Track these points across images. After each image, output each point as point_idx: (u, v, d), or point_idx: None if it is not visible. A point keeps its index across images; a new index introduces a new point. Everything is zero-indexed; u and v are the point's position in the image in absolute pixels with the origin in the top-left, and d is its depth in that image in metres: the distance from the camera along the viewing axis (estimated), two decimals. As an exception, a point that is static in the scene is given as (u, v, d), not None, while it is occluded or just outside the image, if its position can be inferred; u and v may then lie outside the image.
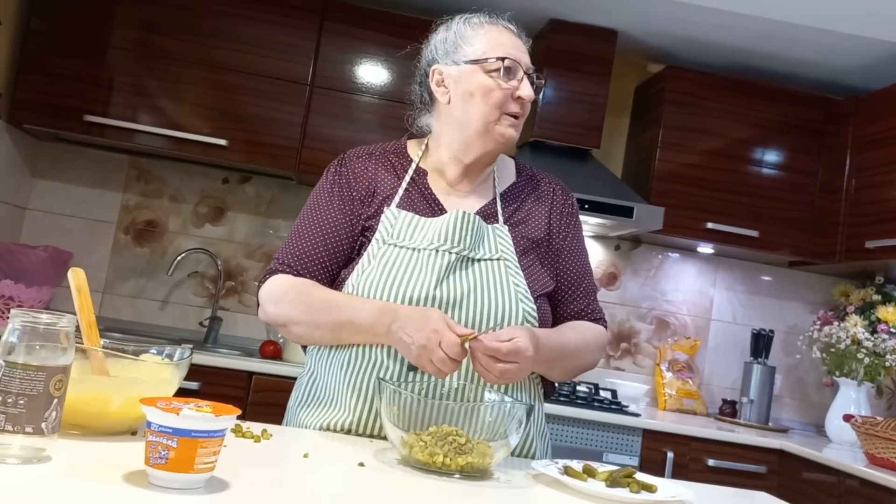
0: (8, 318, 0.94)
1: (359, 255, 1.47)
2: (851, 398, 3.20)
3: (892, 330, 3.11)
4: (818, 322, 3.40)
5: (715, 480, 2.53)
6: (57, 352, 0.94)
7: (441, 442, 1.17)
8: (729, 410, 3.45)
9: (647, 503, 1.17)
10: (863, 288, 3.46)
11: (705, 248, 3.62)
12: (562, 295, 1.55)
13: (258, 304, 1.49)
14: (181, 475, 0.89)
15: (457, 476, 1.18)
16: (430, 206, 1.50)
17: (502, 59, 1.44)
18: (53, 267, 3.07)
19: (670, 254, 3.73)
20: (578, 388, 3.20)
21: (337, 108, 3.20)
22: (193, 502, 0.87)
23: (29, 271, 2.96)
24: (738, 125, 3.43)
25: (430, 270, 1.41)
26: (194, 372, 2.44)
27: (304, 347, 1.58)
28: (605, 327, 1.58)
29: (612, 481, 1.22)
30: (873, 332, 3.16)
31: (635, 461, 2.90)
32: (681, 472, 2.89)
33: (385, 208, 1.48)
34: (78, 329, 1.05)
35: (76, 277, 1.14)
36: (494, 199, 1.55)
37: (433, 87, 1.51)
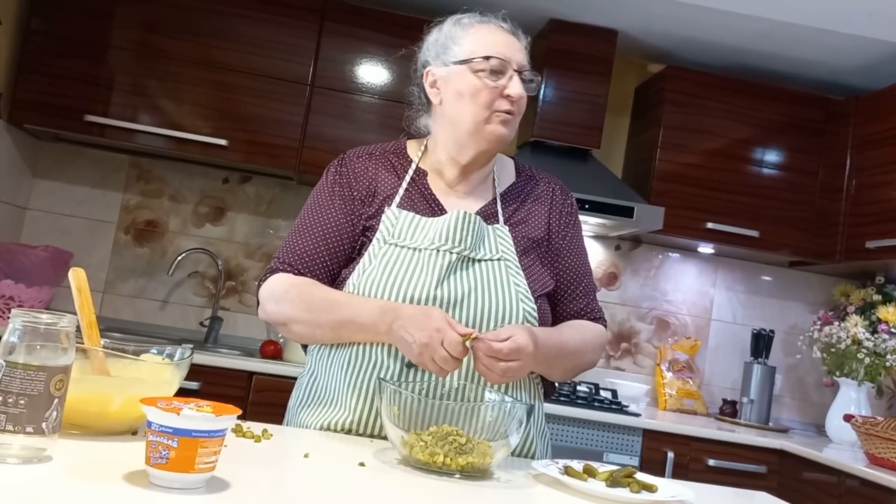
0: (8, 318, 0.94)
1: (359, 254, 1.48)
2: (852, 398, 3.20)
3: (893, 330, 3.11)
4: (818, 322, 3.40)
5: (715, 480, 2.53)
6: (57, 352, 0.94)
7: (441, 442, 1.17)
8: (729, 410, 3.45)
9: (648, 503, 1.17)
10: (863, 288, 3.46)
11: (705, 248, 3.62)
12: (561, 294, 1.55)
13: (258, 304, 1.49)
14: (182, 475, 0.89)
15: (457, 476, 1.18)
16: (430, 206, 1.51)
17: (487, 58, 1.43)
18: (54, 267, 3.07)
19: (670, 254, 3.73)
20: (579, 388, 3.20)
21: (337, 108, 3.20)
22: (194, 502, 0.87)
23: (29, 271, 2.96)
24: (739, 125, 3.43)
25: (431, 270, 1.41)
26: (195, 372, 2.43)
27: (305, 347, 1.58)
28: (605, 326, 1.58)
29: (613, 481, 1.22)
30: (874, 332, 3.16)
31: (636, 461, 2.90)
32: (681, 472, 2.89)
33: (386, 208, 1.48)
34: (78, 329, 1.05)
35: (77, 277, 1.14)
36: (494, 199, 1.55)
37: (427, 88, 1.52)
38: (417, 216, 1.47)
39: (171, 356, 1.21)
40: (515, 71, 1.45)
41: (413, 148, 1.59)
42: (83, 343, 1.13)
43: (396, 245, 1.44)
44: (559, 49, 3.36)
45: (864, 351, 3.13)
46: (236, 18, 3.15)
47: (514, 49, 1.47)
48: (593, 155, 3.45)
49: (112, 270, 3.39)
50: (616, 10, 3.23)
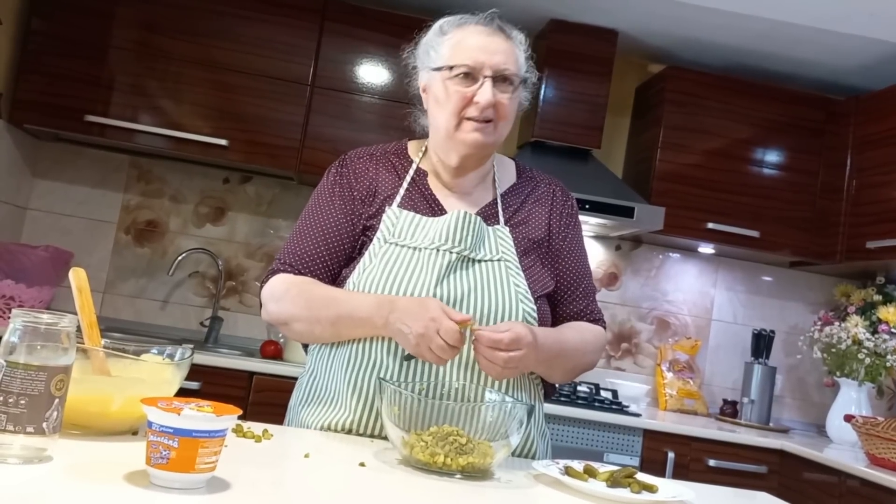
0: (9, 318, 0.94)
1: (360, 254, 1.48)
2: (852, 398, 3.20)
3: (893, 330, 3.11)
4: (819, 322, 3.39)
5: (716, 481, 2.53)
6: (58, 352, 0.94)
7: (442, 442, 1.17)
8: (730, 411, 3.45)
9: (648, 503, 1.17)
10: (864, 288, 3.46)
11: (706, 249, 3.62)
12: (561, 295, 1.56)
13: (261, 305, 1.50)
14: (182, 475, 0.89)
15: (458, 476, 1.18)
16: (430, 206, 1.51)
17: (451, 67, 1.43)
18: (54, 267, 3.07)
19: (671, 254, 3.73)
20: (579, 388, 3.20)
21: (337, 108, 3.20)
22: (194, 502, 0.87)
23: (30, 271, 2.96)
24: (739, 125, 3.43)
25: (431, 269, 1.41)
26: (195, 372, 2.43)
27: (306, 347, 1.58)
28: (605, 328, 1.59)
29: (613, 481, 1.22)
30: (874, 332, 3.16)
31: (636, 461, 2.90)
32: (681, 473, 2.89)
33: (387, 208, 1.49)
34: (79, 329, 1.05)
35: (77, 277, 1.14)
36: (495, 199, 1.55)
37: (420, 92, 1.53)
38: (418, 216, 1.48)
39: (171, 356, 1.21)
40: (489, 76, 1.42)
41: (414, 148, 1.59)
42: (84, 343, 1.13)
43: (397, 244, 1.44)
44: (559, 49, 3.36)
45: (865, 351, 3.13)
46: (237, 18, 3.15)
47: (489, 52, 1.43)
48: (594, 155, 3.45)
49: (112, 270, 3.39)
50: (616, 10, 3.23)
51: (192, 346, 1.26)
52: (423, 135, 1.59)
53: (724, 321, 3.72)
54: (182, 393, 1.09)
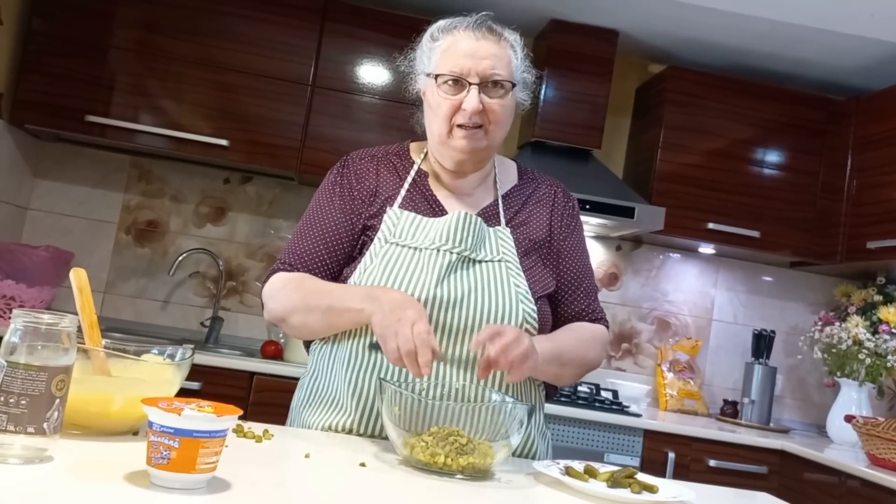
0: (10, 318, 0.95)
1: (361, 253, 1.49)
2: (853, 399, 3.20)
3: (894, 330, 3.11)
4: (819, 322, 3.39)
5: (716, 481, 2.53)
6: (59, 352, 0.94)
7: (442, 442, 1.17)
8: (730, 411, 3.45)
9: (649, 503, 1.17)
10: (864, 288, 3.46)
11: (706, 249, 3.62)
12: (562, 295, 1.56)
13: (262, 306, 1.51)
14: (183, 475, 0.89)
15: (458, 476, 1.18)
16: (431, 207, 1.51)
17: (436, 76, 1.44)
18: (55, 267, 3.07)
19: (671, 254, 3.72)
20: (579, 388, 3.20)
21: (338, 109, 3.20)
22: (195, 502, 0.87)
23: (30, 271, 2.96)
24: (739, 125, 3.43)
25: (431, 269, 1.41)
26: (195, 372, 2.43)
27: (307, 347, 1.58)
28: (607, 327, 1.58)
29: (614, 482, 1.22)
30: (874, 332, 3.16)
31: (636, 462, 2.90)
32: (682, 473, 2.89)
33: (388, 208, 1.49)
34: (80, 329, 1.05)
35: (78, 278, 1.14)
36: (496, 200, 1.56)
37: (421, 95, 1.54)
38: (419, 216, 1.48)
39: (172, 356, 1.21)
40: (476, 83, 1.42)
41: (416, 150, 1.60)
42: (84, 343, 1.13)
43: (397, 244, 1.45)
44: (560, 49, 3.36)
45: (865, 351, 3.12)
46: (237, 18, 3.15)
47: (477, 58, 1.42)
48: (594, 155, 3.45)
49: (113, 270, 3.39)
50: (617, 11, 3.23)
51: (192, 346, 1.26)
52: (425, 136, 1.59)
53: (725, 321, 3.72)
54: (183, 393, 1.09)
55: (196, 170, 3.45)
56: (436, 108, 1.46)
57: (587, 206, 3.11)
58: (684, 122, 3.40)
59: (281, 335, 3.13)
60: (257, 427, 1.31)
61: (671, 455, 2.91)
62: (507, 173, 1.62)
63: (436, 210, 1.51)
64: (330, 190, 1.54)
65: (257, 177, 3.48)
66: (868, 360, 3.11)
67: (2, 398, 0.90)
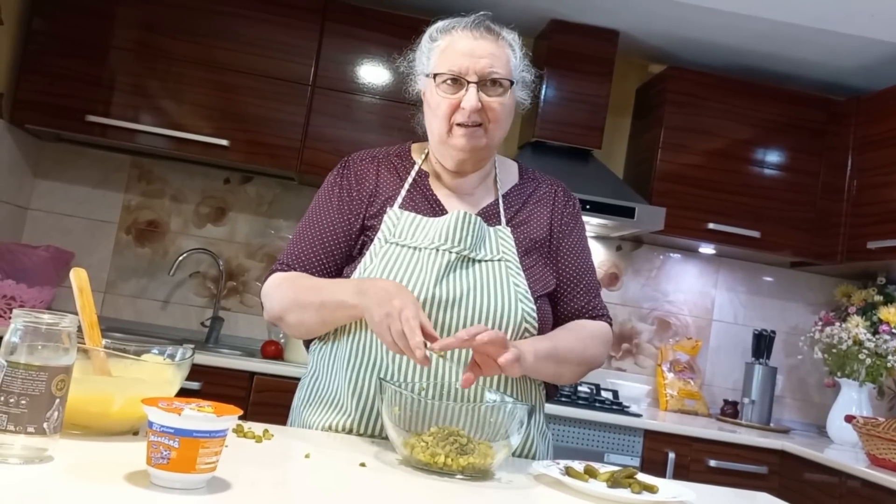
0: (10, 318, 0.95)
1: (361, 254, 1.49)
2: (853, 399, 3.20)
3: (894, 331, 3.11)
4: (820, 323, 3.39)
5: (716, 481, 2.53)
6: (59, 352, 0.94)
7: (442, 442, 1.17)
8: (730, 411, 3.45)
9: (649, 503, 1.17)
10: (864, 289, 3.46)
11: (707, 249, 3.62)
12: (562, 293, 1.55)
13: (262, 307, 1.51)
14: (183, 475, 0.89)
15: (458, 476, 1.18)
16: (432, 207, 1.52)
17: (435, 75, 1.45)
18: (55, 267, 3.07)
19: (672, 254, 3.72)
20: (580, 388, 3.20)
21: (338, 109, 3.20)
22: (195, 502, 0.87)
23: (30, 271, 2.96)
24: (740, 126, 3.42)
25: (431, 269, 1.41)
26: (196, 372, 2.43)
27: (307, 347, 1.59)
28: (610, 324, 1.58)
29: (614, 482, 1.22)
30: (875, 332, 3.16)
31: (636, 462, 2.90)
32: (682, 473, 2.89)
33: (388, 208, 1.49)
34: (80, 329, 1.05)
35: (78, 277, 1.14)
36: (496, 200, 1.56)
37: (421, 96, 1.54)
38: (419, 216, 1.48)
39: (172, 356, 1.21)
40: (475, 82, 1.42)
41: (417, 150, 1.60)
42: (84, 343, 1.13)
43: (397, 244, 1.45)
44: (560, 49, 3.36)
45: (866, 352, 3.12)
46: (237, 19, 3.15)
47: (475, 57, 1.43)
48: (594, 155, 3.45)
49: (113, 270, 3.39)
50: (617, 11, 3.23)
51: (192, 346, 1.26)
52: (426, 137, 1.59)
53: (725, 321, 3.72)
54: (183, 393, 1.09)
55: (196, 170, 3.45)
56: (435, 107, 1.46)
57: (588, 207, 3.11)
58: (684, 123, 3.40)
59: (281, 335, 3.13)
60: (257, 427, 1.31)
61: (671, 455, 2.91)
62: (508, 173, 1.62)
63: (436, 210, 1.51)
64: (329, 191, 1.54)
65: (257, 177, 3.48)
66: (868, 361, 3.11)
67: (2, 398, 0.90)
